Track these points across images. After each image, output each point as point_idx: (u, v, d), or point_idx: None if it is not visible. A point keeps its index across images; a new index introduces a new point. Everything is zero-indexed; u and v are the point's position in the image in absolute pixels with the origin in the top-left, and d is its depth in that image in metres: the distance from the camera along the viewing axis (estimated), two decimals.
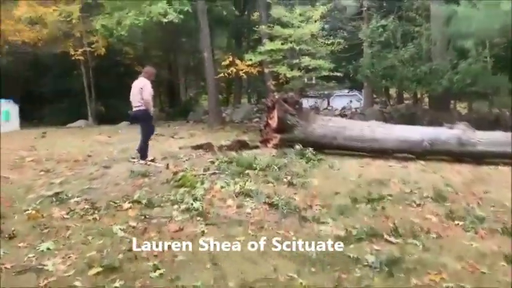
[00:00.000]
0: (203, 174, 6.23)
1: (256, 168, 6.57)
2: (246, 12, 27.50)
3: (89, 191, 5.35)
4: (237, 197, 5.08)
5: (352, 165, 7.62)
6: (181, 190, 5.18)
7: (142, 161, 7.30)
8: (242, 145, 9.29)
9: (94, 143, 10.56)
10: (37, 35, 18.56)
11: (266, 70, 14.06)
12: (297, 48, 13.00)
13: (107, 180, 6.01)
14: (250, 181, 5.70)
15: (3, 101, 17.12)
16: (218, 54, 30.01)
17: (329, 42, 13.76)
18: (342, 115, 18.40)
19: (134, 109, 7.66)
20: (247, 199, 5.01)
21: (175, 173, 6.29)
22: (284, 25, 13.36)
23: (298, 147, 8.16)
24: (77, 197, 4.91)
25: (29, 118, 29.93)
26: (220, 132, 14.10)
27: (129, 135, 12.60)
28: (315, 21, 13.02)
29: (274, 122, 8.55)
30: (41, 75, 27.05)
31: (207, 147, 8.92)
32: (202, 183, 5.48)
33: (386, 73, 14.41)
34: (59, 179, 6.09)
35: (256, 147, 9.04)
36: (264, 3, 18.76)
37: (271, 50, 13.29)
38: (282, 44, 12.87)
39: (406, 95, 26.42)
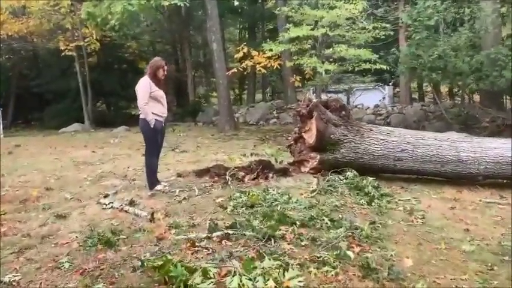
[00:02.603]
0: (207, 239, 3.67)
1: (294, 223, 4.01)
2: (259, 0, 24.83)
3: None
4: None
5: (436, 205, 4.99)
6: None
7: (116, 205, 4.78)
8: (265, 167, 6.71)
9: (70, 162, 8.08)
10: (22, 27, 16.18)
11: (289, 63, 11.40)
12: (331, 34, 10.30)
13: (44, 256, 3.51)
14: (292, 266, 3.11)
15: None
16: (229, 48, 27.47)
17: (370, 27, 10.99)
18: (376, 115, 15.70)
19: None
20: None
21: (160, 238, 3.76)
22: (313, 6, 10.66)
23: (350, 173, 5.56)
24: None
25: (28, 119, 27.85)
26: (233, 140, 11.55)
27: (119, 147, 10.15)
28: (357, 0, 10.22)
29: (311, 137, 5.95)
30: (39, 73, 24.87)
31: (216, 173, 6.36)
32: (206, 273, 2.90)
33: (436, 64, 11.65)
34: None
35: (285, 170, 6.46)
36: None
37: (297, 38, 10.63)
38: (312, 29, 10.16)
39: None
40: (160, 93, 5.52)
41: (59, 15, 16.26)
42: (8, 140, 13.56)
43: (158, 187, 5.47)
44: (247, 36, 26.36)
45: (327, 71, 10.20)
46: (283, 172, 6.50)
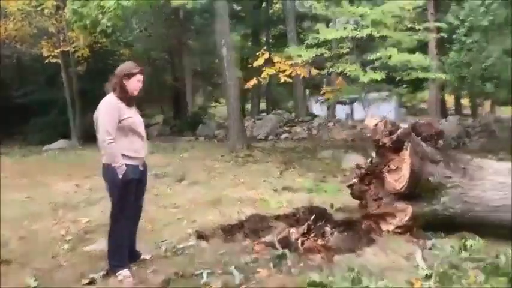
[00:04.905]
0: None
1: None
2: (263, 4, 22.99)
3: None
4: None
5: None
6: None
7: None
8: (318, 216, 4.78)
9: (45, 204, 6.04)
10: None
11: (314, 71, 9.45)
12: (377, 35, 8.36)
13: None
14: None
15: None
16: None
17: (421, 28, 9.00)
18: None
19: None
20: None
21: None
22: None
23: (473, 242, 3.62)
24: None
25: (11, 133, 25.59)
26: (249, 163, 9.57)
27: None
28: None
29: (401, 180, 3.99)
30: (23, 82, 22.80)
31: (252, 230, 4.40)
32: None
33: (490, 73, 9.83)
34: None
35: (351, 224, 4.53)
36: None
37: (330, 41, 8.64)
38: (355, 29, 8.15)
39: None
40: (137, 120, 3.45)
41: (43, 17, 14.25)
42: None
43: (124, 274, 3.38)
44: (249, 43, 24.50)
45: (371, 81, 8.30)
46: (347, 227, 4.58)
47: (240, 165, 9.35)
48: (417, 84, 10.74)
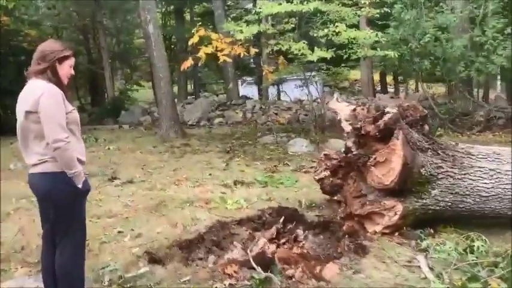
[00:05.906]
0: None
1: None
2: None
3: None
4: None
5: None
6: None
7: None
8: (288, 218, 4.13)
9: None
10: None
11: (253, 51, 8.63)
12: (325, 10, 7.69)
13: None
14: None
15: None
16: None
17: (366, 2, 8.51)
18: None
19: (30, 171, 2.46)
20: None
21: None
22: None
23: (480, 243, 3.15)
24: None
25: None
26: (188, 154, 8.64)
27: (25, 179, 6.76)
28: None
29: (390, 173, 3.42)
30: None
31: (214, 242, 3.64)
32: None
33: (427, 50, 9.79)
34: None
35: (327, 225, 3.95)
36: None
37: (275, 15, 7.83)
38: (301, 2, 7.39)
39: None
40: (77, 116, 2.54)
41: None
42: None
43: None
44: (172, 22, 23.03)
45: (319, 59, 7.69)
46: (323, 228, 3.99)
47: (177, 157, 8.39)
48: (347, 62, 10.48)
